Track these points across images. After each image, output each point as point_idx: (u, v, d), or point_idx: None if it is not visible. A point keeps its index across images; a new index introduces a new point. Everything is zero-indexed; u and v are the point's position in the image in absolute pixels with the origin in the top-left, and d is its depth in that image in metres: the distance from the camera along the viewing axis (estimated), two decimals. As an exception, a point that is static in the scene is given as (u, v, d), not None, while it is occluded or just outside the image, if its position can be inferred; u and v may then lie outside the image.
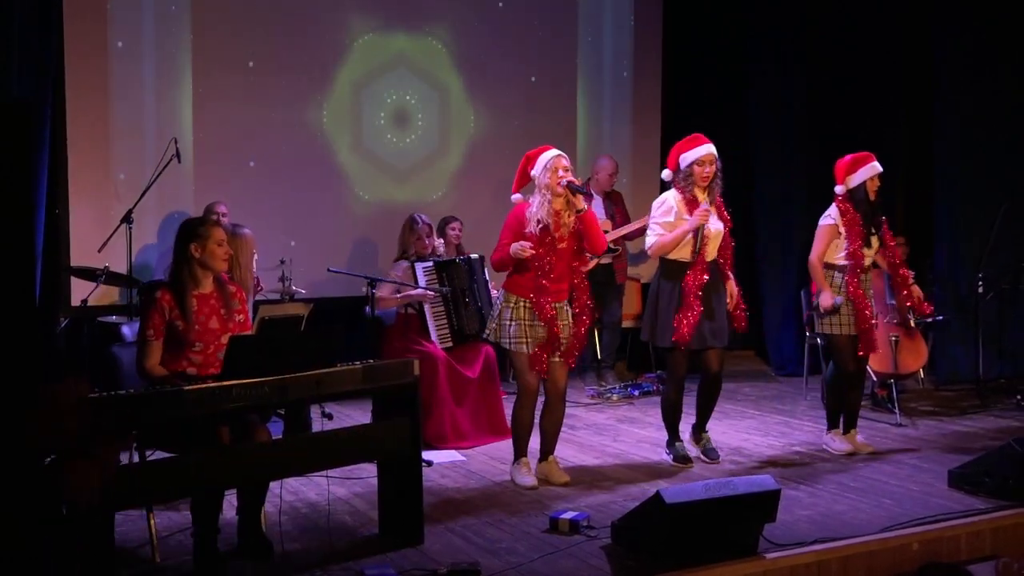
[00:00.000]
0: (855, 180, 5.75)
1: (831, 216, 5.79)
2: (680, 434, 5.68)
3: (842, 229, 5.74)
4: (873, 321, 5.77)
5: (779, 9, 8.73)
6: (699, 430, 5.73)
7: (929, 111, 8.28)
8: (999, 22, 7.94)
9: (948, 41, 8.01)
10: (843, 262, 5.75)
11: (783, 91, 8.74)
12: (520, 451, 5.23)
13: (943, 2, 8.01)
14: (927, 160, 8.36)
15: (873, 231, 5.77)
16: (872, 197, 5.74)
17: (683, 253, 5.41)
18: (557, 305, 5.09)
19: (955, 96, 8.01)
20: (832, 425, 5.94)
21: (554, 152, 5.09)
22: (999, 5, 7.93)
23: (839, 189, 5.80)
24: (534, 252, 4.99)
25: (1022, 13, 7.91)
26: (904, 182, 8.92)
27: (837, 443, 5.87)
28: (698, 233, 5.35)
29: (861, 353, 5.75)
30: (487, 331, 5.28)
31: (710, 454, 5.65)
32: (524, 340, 5.07)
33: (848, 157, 5.83)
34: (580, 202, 5.07)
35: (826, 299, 5.73)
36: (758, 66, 8.89)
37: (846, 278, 5.72)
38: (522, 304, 5.08)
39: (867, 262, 5.76)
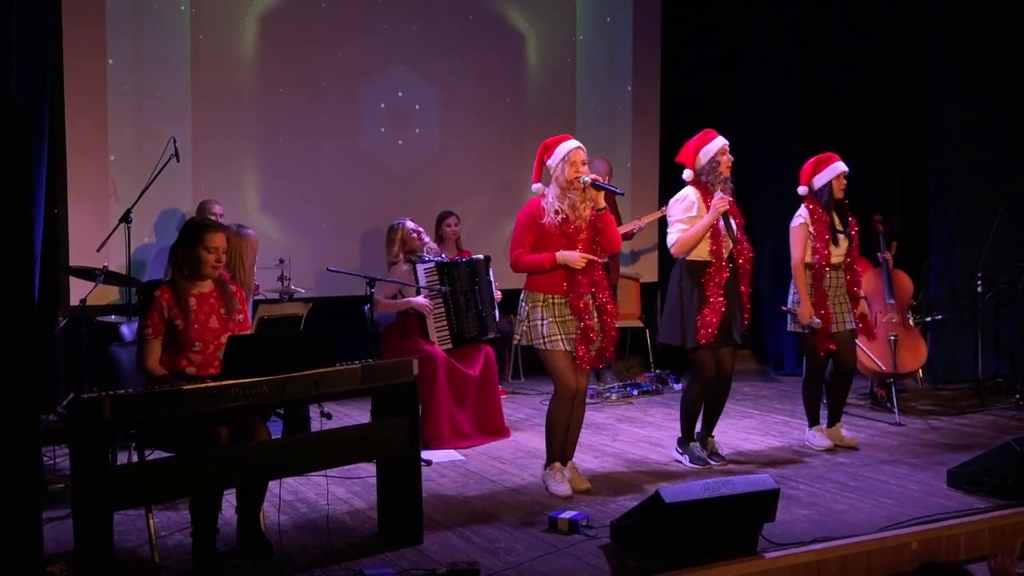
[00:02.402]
0: (820, 181, 5.87)
1: (801, 216, 5.89)
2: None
3: (811, 228, 5.81)
4: (838, 320, 5.82)
5: (777, 10, 8.73)
6: (707, 435, 5.70)
7: (926, 110, 8.28)
8: (996, 24, 7.95)
9: (944, 41, 8.01)
10: (809, 260, 5.83)
11: (780, 91, 8.75)
12: (553, 454, 5.09)
13: (941, 4, 8.02)
14: (924, 160, 8.36)
15: (841, 230, 5.84)
16: (839, 196, 5.84)
17: (703, 253, 5.38)
18: (587, 296, 4.99)
19: (952, 95, 8.01)
20: (812, 422, 6.00)
21: (573, 144, 4.98)
22: (996, 7, 7.94)
23: (802, 190, 5.92)
24: (589, 259, 4.94)
25: (1019, 15, 7.92)
26: (901, 182, 8.92)
27: (817, 439, 5.93)
28: (727, 222, 5.35)
29: (822, 353, 5.83)
30: (517, 336, 5.08)
31: (716, 458, 5.63)
32: (559, 337, 4.93)
33: (812, 159, 5.94)
34: (600, 200, 5.02)
35: (804, 314, 5.80)
36: (756, 66, 8.89)
37: (812, 273, 5.81)
38: (551, 301, 4.95)
39: (836, 260, 5.84)
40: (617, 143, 8.96)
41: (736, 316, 5.45)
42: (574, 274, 4.93)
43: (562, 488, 5.03)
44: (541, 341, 4.96)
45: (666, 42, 9.10)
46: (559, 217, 4.92)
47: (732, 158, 5.47)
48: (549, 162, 5.00)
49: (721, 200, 5.34)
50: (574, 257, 4.91)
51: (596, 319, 5.01)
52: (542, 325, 4.95)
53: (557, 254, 4.90)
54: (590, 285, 4.98)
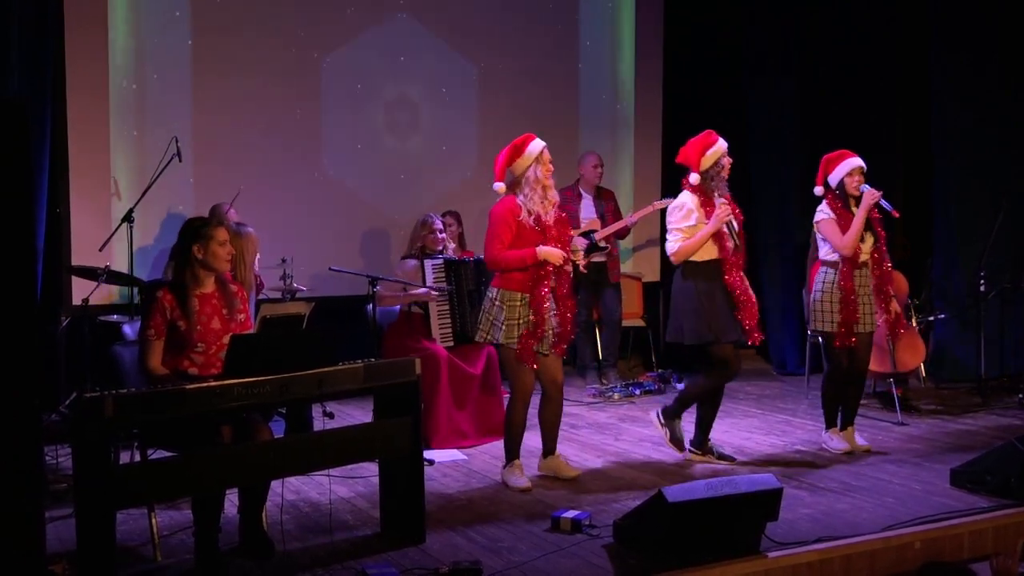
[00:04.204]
0: (834, 179, 5.77)
1: (823, 211, 5.78)
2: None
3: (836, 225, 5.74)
4: (863, 321, 5.73)
5: (777, 10, 8.74)
6: (705, 440, 5.65)
7: (926, 110, 8.28)
8: (996, 24, 7.94)
9: (944, 41, 8.01)
10: (834, 257, 5.74)
11: (780, 91, 8.74)
12: (513, 453, 5.17)
13: (940, 4, 8.01)
14: (926, 159, 8.36)
15: (867, 228, 5.73)
16: (853, 192, 5.72)
17: (711, 252, 5.37)
18: (547, 292, 5.07)
19: (952, 95, 8.01)
20: (830, 424, 5.93)
21: (541, 143, 5.09)
22: (996, 7, 7.93)
23: (818, 190, 5.82)
24: (568, 257, 5.03)
25: (1019, 15, 7.91)
26: (903, 181, 8.92)
27: (835, 442, 5.87)
28: (730, 229, 5.35)
29: (837, 344, 5.72)
30: (484, 334, 5.13)
31: (726, 458, 5.61)
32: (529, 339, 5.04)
33: (825, 157, 5.86)
34: (579, 257, 5.21)
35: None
36: (756, 66, 8.90)
37: (840, 271, 5.71)
38: (525, 300, 5.02)
39: (862, 258, 5.74)
40: (619, 143, 8.96)
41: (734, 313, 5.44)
42: (540, 270, 5.00)
43: (521, 482, 5.10)
44: (515, 341, 5.02)
45: (667, 42, 9.10)
46: (532, 217, 5.02)
47: (731, 160, 5.48)
48: (519, 161, 5.06)
49: (724, 208, 5.32)
50: (556, 253, 4.98)
51: (552, 311, 5.08)
52: (519, 325, 5.02)
53: (538, 249, 4.97)
54: (554, 280, 5.08)
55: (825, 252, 5.80)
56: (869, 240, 5.75)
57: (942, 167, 8.08)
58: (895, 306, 5.86)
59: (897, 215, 5.74)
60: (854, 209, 5.70)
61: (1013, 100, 7.97)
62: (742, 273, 5.43)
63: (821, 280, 5.80)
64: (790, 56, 8.71)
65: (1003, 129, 7.99)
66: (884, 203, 5.62)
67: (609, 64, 8.92)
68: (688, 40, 9.10)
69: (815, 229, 5.84)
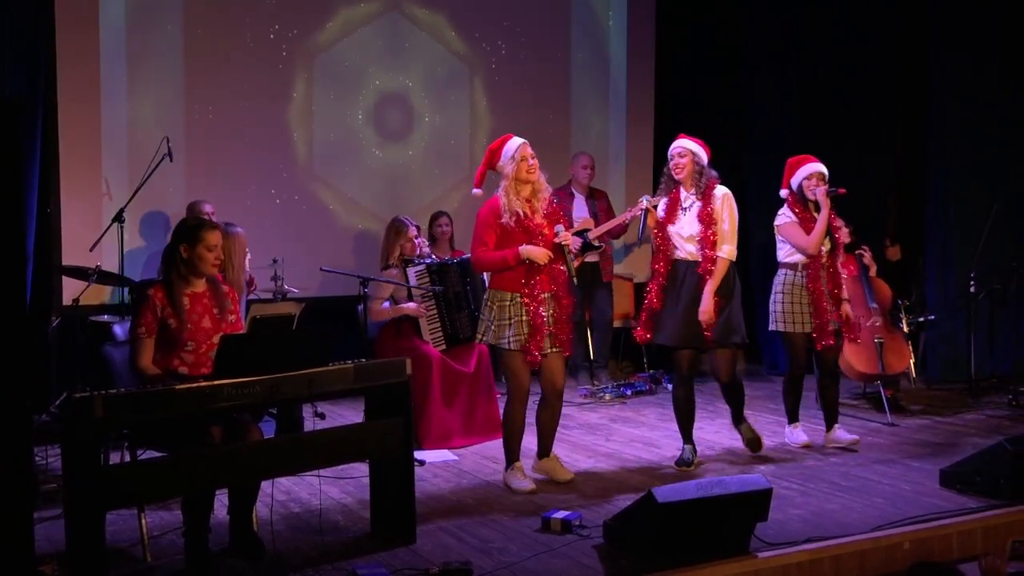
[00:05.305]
0: (795, 182, 5.86)
1: (786, 214, 5.86)
2: (692, 436, 5.61)
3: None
4: (837, 318, 5.81)
5: (776, 10, 8.75)
6: (736, 422, 5.78)
7: (924, 111, 8.29)
8: (995, 24, 7.96)
9: (943, 42, 8.02)
10: (794, 259, 5.82)
11: (779, 91, 8.75)
12: (513, 456, 5.15)
13: (940, 4, 8.03)
14: (921, 160, 8.37)
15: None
16: (810, 196, 5.78)
17: (679, 253, 5.43)
18: (545, 295, 5.05)
19: (951, 95, 8.01)
20: (791, 419, 6.07)
21: (518, 141, 5.04)
22: (995, 7, 7.95)
23: (783, 192, 5.92)
24: (552, 256, 4.99)
25: (1018, 15, 7.93)
26: (898, 182, 8.94)
27: (794, 435, 6.01)
28: (642, 223, 5.44)
29: (819, 347, 5.82)
30: (480, 336, 5.14)
31: (751, 445, 5.69)
32: (521, 337, 5.00)
33: (789, 160, 5.94)
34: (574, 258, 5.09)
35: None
36: (754, 66, 8.90)
37: (807, 274, 5.77)
38: (517, 299, 5.00)
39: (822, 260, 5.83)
40: (612, 143, 8.97)
41: (693, 318, 5.34)
42: (533, 270, 4.97)
43: (525, 484, 5.07)
44: (506, 341, 5.00)
45: (664, 42, 9.11)
46: (513, 219, 4.96)
47: (684, 162, 5.39)
48: (500, 163, 5.04)
49: (638, 205, 5.50)
50: (539, 253, 4.94)
51: (550, 312, 5.06)
52: (510, 325, 4.99)
53: (521, 249, 4.94)
54: (550, 281, 5.05)
55: (785, 254, 5.90)
56: (827, 245, 5.82)
57: (941, 167, 8.09)
58: (846, 309, 5.89)
59: (843, 191, 5.83)
60: (815, 213, 5.78)
61: (1012, 100, 7.99)
62: (661, 271, 5.42)
63: (780, 282, 5.89)
64: (789, 56, 8.72)
65: (1002, 129, 8.01)
66: (831, 190, 5.75)
67: (601, 65, 8.92)
68: (686, 40, 9.10)
69: (776, 232, 5.92)
